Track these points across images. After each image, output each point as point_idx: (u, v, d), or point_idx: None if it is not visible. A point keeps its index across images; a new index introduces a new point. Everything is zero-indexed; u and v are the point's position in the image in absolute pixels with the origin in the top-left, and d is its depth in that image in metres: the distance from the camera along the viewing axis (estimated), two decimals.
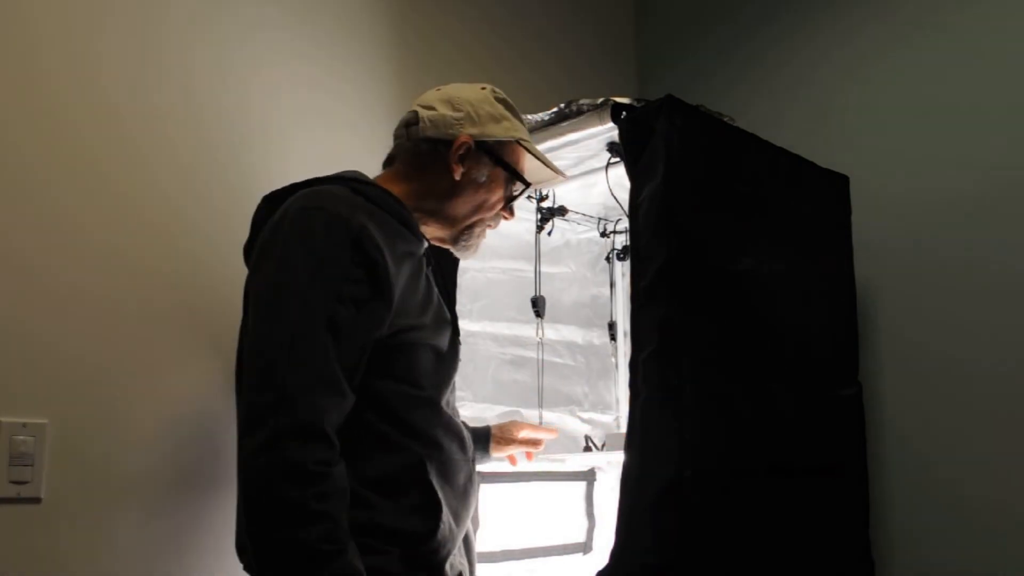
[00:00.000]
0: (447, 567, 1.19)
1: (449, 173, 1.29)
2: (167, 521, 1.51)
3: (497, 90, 1.38)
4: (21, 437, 1.39)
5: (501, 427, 1.65)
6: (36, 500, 1.40)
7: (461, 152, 1.29)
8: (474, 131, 1.30)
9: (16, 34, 1.46)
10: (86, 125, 1.53)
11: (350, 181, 1.23)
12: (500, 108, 1.34)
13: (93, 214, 1.52)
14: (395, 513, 1.13)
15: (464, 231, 1.35)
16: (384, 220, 1.19)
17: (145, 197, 1.58)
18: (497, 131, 1.31)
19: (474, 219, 1.34)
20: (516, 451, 1.65)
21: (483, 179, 1.31)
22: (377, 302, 1.12)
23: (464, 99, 1.32)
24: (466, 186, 1.30)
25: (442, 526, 1.15)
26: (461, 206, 1.32)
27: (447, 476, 1.21)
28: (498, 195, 1.34)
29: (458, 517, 1.23)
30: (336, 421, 1.08)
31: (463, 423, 1.35)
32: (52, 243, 1.47)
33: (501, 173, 1.33)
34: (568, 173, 1.80)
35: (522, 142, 1.34)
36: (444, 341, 1.27)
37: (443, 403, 1.25)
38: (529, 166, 1.39)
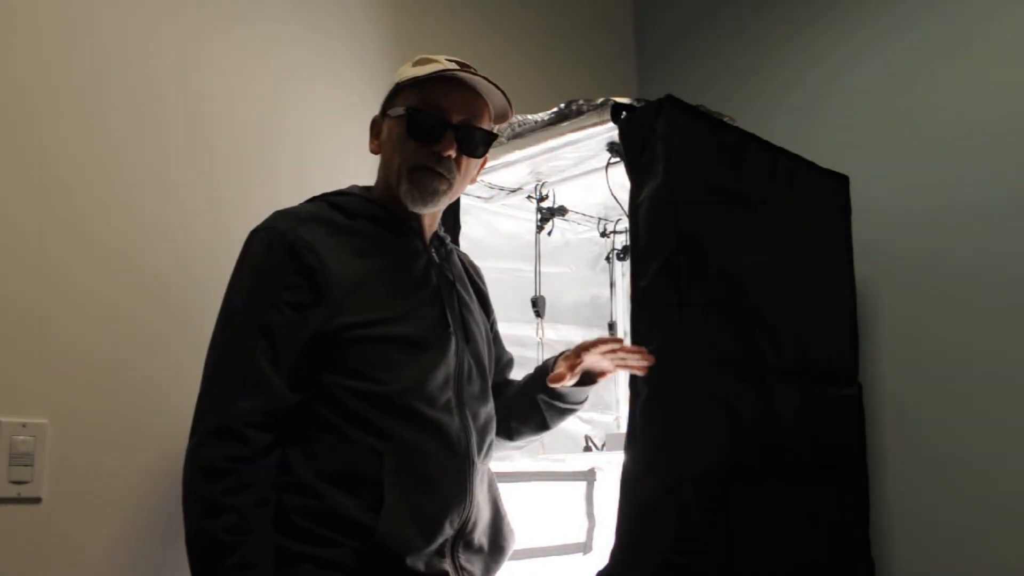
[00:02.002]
0: (416, 565, 1.17)
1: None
2: (167, 521, 1.51)
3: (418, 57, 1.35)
4: (21, 437, 1.40)
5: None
6: (36, 500, 1.41)
7: (370, 132, 1.36)
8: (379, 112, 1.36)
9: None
10: (86, 128, 1.53)
11: (331, 195, 1.31)
12: (400, 74, 1.34)
13: (97, 216, 1.52)
14: (347, 506, 1.15)
15: (399, 183, 1.29)
16: (343, 226, 1.25)
17: (150, 200, 1.58)
18: (387, 97, 1.34)
19: (399, 167, 1.29)
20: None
21: (386, 134, 1.33)
22: (318, 304, 1.17)
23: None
24: (383, 149, 1.34)
25: (382, 523, 1.14)
26: (386, 166, 1.33)
27: (413, 473, 1.19)
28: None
29: (431, 516, 1.20)
30: (261, 420, 1.14)
31: (463, 417, 1.27)
32: (53, 245, 1.47)
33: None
34: (568, 173, 1.81)
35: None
36: (425, 333, 1.25)
37: (420, 398, 1.22)
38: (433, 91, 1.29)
